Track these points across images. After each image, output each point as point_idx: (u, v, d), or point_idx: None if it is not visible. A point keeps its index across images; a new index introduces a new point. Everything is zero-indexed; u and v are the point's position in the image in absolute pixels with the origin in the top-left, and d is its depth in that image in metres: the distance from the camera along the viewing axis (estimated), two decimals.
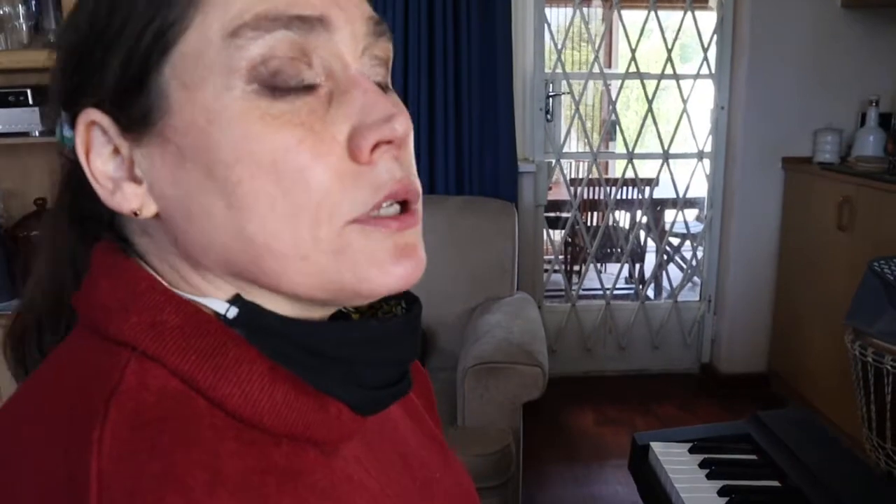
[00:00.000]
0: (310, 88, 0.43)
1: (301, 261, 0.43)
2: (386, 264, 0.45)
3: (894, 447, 1.74)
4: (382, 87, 0.48)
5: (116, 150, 0.45)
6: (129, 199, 0.45)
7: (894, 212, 2.40)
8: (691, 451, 1.30)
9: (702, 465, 1.25)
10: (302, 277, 0.44)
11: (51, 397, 0.43)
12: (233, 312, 0.46)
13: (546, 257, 3.53)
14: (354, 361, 0.47)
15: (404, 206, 0.46)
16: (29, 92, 2.47)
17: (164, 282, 0.47)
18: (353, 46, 0.45)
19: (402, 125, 0.43)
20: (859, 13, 2.94)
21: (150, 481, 0.37)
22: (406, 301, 0.55)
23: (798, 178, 3.04)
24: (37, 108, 2.46)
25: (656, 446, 1.31)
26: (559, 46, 3.12)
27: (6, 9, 2.57)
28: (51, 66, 0.48)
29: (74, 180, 0.50)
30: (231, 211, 0.42)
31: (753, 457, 1.28)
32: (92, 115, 0.44)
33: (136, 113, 0.43)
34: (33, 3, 2.58)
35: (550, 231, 3.58)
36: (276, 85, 0.42)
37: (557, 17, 6.67)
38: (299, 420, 0.45)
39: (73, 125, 0.46)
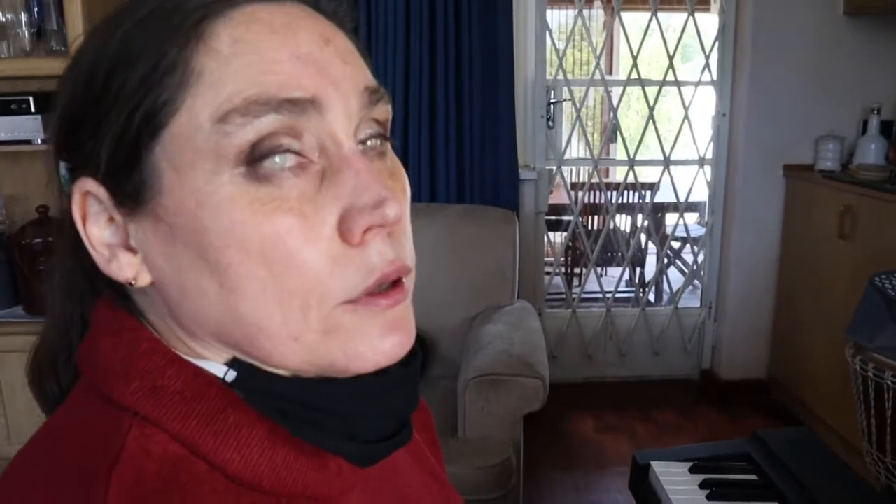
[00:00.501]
0: (300, 167, 0.43)
1: (292, 341, 0.43)
2: (375, 341, 0.45)
3: (894, 461, 1.75)
4: (383, 140, 0.48)
5: (112, 219, 0.45)
6: (124, 268, 0.45)
7: (895, 221, 2.40)
8: (691, 470, 1.30)
9: (702, 485, 1.25)
10: (292, 355, 0.44)
11: (55, 463, 0.43)
12: (231, 376, 0.46)
13: (547, 259, 3.53)
14: (351, 416, 0.48)
15: (395, 281, 0.46)
16: (31, 99, 2.47)
17: (163, 341, 0.47)
18: (347, 124, 0.45)
19: (393, 210, 0.43)
20: (861, 21, 2.94)
21: None
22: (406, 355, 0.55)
23: (799, 185, 3.04)
24: (39, 116, 2.47)
25: (657, 466, 1.32)
26: (560, 54, 3.12)
27: (9, 16, 2.57)
28: (52, 112, 0.48)
29: (73, 236, 0.50)
30: (223, 290, 0.43)
31: (753, 477, 1.28)
32: (87, 184, 0.45)
33: (129, 189, 0.43)
34: (36, 10, 2.58)
35: (552, 234, 3.59)
36: (264, 169, 0.42)
37: (559, 18, 6.68)
38: (299, 480, 0.45)
39: (68, 179, 0.47)
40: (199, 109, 0.41)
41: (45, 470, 0.43)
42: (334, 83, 0.44)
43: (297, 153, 0.43)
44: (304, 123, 0.43)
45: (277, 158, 0.42)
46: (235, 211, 0.41)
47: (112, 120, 0.43)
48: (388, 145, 0.49)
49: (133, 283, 0.45)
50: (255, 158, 0.41)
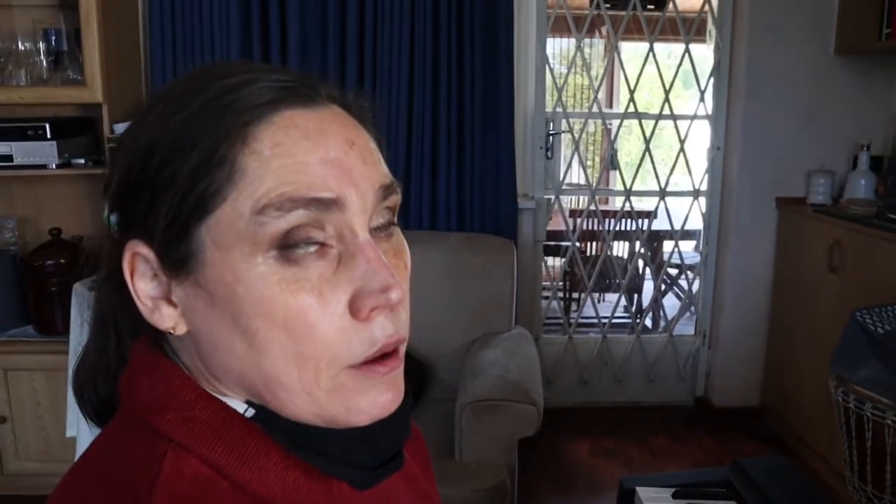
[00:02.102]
0: (321, 252, 0.51)
1: (305, 395, 0.52)
2: (373, 398, 0.53)
3: (874, 490, 1.81)
4: (391, 224, 0.57)
5: (156, 275, 0.53)
6: (165, 319, 0.53)
7: (882, 256, 2.47)
8: (674, 496, 1.37)
9: None
10: (304, 406, 0.52)
11: (103, 482, 0.51)
12: (250, 413, 0.55)
13: (545, 283, 3.60)
14: (353, 449, 0.56)
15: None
16: (47, 126, 2.55)
17: (193, 378, 0.55)
18: (363, 217, 0.53)
19: (397, 295, 0.51)
20: (851, 60, 3.03)
21: None
22: None
23: (791, 218, 3.12)
24: (55, 142, 2.54)
25: (642, 491, 1.38)
26: (559, 86, 3.22)
27: (27, 45, 2.67)
28: (110, 167, 0.57)
29: (116, 279, 0.57)
30: (251, 350, 0.51)
31: (733, 503, 1.35)
32: (138, 247, 0.53)
33: (176, 257, 0.52)
34: (53, 39, 2.68)
35: (550, 259, 3.66)
36: (292, 254, 0.50)
37: (561, 45, 6.78)
38: (307, 500, 0.54)
39: (120, 233, 0.54)
40: (241, 201, 0.50)
41: (93, 487, 0.51)
42: (355, 184, 0.52)
43: (320, 242, 0.51)
44: (327, 217, 0.51)
45: (303, 247, 0.50)
46: (266, 287, 0.49)
47: (166, 200, 0.51)
48: (396, 228, 0.57)
49: (172, 331, 0.54)
50: (284, 245, 0.50)
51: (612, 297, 4.49)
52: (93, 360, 0.62)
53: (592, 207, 3.45)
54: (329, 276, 0.51)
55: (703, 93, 3.24)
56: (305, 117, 0.52)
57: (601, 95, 6.91)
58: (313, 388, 0.51)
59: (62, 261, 2.60)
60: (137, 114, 0.56)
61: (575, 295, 4.51)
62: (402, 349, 0.55)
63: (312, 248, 0.50)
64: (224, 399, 0.55)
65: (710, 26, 3.30)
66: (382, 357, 0.53)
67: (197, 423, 0.52)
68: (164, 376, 0.55)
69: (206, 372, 0.55)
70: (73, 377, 0.64)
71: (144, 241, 0.52)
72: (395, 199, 0.56)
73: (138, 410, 0.54)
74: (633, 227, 3.55)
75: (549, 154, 3.27)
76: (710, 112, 3.27)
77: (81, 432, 2.34)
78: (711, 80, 3.25)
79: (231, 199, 0.50)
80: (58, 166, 2.57)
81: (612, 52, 3.41)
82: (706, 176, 3.34)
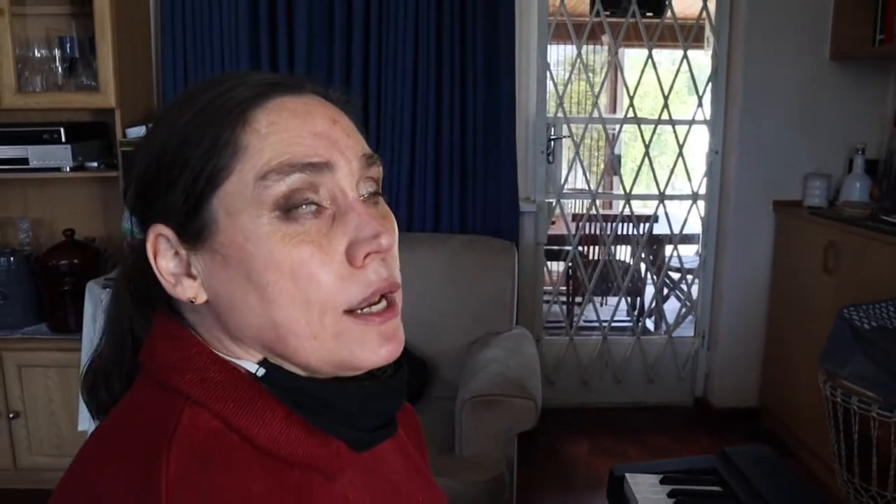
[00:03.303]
0: (318, 212, 0.59)
1: (312, 339, 0.59)
2: (374, 346, 0.60)
3: (861, 482, 1.86)
4: (377, 194, 0.64)
5: (177, 253, 0.61)
6: (186, 290, 0.61)
7: (875, 257, 2.53)
8: (662, 482, 1.43)
9: (670, 494, 1.38)
10: (311, 352, 0.59)
11: (129, 432, 0.58)
12: (261, 372, 0.62)
13: (546, 288, 3.66)
14: (352, 410, 0.63)
15: (389, 299, 0.61)
16: (62, 130, 2.63)
17: (209, 346, 0.62)
18: (351, 179, 0.61)
19: (387, 240, 0.59)
20: (846, 65, 3.09)
21: (203, 493, 0.53)
22: (394, 365, 0.69)
23: (788, 220, 3.18)
24: (69, 146, 2.62)
25: (630, 477, 1.44)
26: (560, 92, 3.28)
27: (43, 52, 2.75)
28: (128, 176, 0.65)
29: (137, 271, 0.65)
30: (263, 303, 0.58)
31: (718, 488, 1.41)
32: (160, 229, 0.61)
33: (193, 230, 0.59)
34: (68, 47, 2.76)
35: (553, 263, 3.72)
36: (293, 214, 0.58)
37: (564, 51, 6.85)
38: (308, 453, 0.60)
39: (142, 228, 0.62)
40: (246, 172, 0.58)
41: (121, 437, 0.58)
42: (341, 151, 0.61)
43: (316, 203, 0.59)
44: (320, 180, 0.59)
45: (302, 206, 0.58)
46: (272, 242, 0.57)
47: (182, 181, 0.59)
48: (381, 198, 0.65)
49: (193, 301, 0.61)
50: (285, 205, 0.57)
51: (614, 301, 4.55)
52: (108, 356, 0.69)
53: (593, 211, 3.51)
54: (326, 231, 0.59)
55: (701, 98, 3.31)
56: (294, 102, 0.61)
57: (606, 101, 7.01)
58: (320, 332, 0.58)
59: (75, 261, 2.67)
60: (149, 126, 0.64)
61: (578, 299, 4.56)
62: (398, 299, 0.63)
63: (310, 208, 0.58)
64: (238, 362, 0.62)
65: (708, 33, 3.37)
66: (381, 310, 0.60)
67: (211, 383, 0.59)
68: (183, 343, 0.62)
69: (223, 337, 0.62)
70: (83, 377, 0.71)
71: (164, 223, 0.60)
72: (377, 170, 0.64)
73: (159, 371, 0.61)
74: (633, 232, 3.61)
75: (550, 158, 3.33)
76: (708, 117, 3.33)
77: (93, 427, 2.42)
78: (710, 85, 3.31)
79: (237, 171, 0.58)
80: (72, 169, 2.66)
81: (613, 57, 3.47)
82: (705, 179, 3.40)
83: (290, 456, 0.59)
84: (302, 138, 0.59)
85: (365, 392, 0.63)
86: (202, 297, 0.61)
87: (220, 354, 0.62)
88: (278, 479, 0.58)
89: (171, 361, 0.60)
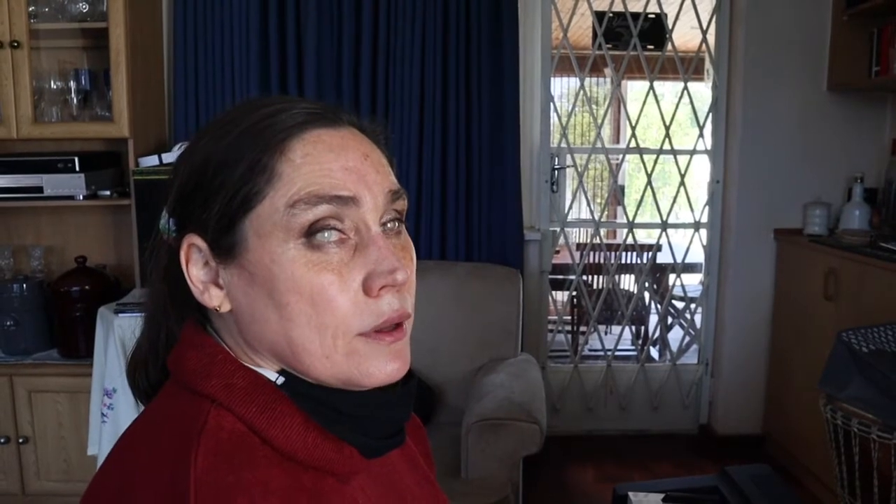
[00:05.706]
0: (341, 241, 0.63)
1: (324, 359, 0.63)
2: (381, 364, 0.65)
3: None
4: (399, 221, 0.68)
5: (207, 263, 0.66)
6: (213, 298, 0.65)
7: (875, 283, 2.56)
8: (664, 500, 1.45)
9: None
10: (323, 370, 0.64)
11: (160, 431, 0.63)
12: (281, 380, 0.66)
13: (551, 318, 3.69)
14: (364, 418, 0.67)
15: (397, 323, 0.66)
16: (76, 160, 2.69)
17: (232, 354, 0.67)
18: (375, 214, 0.65)
19: (402, 276, 0.63)
20: (844, 96, 3.16)
21: (228, 488, 0.57)
22: (404, 380, 0.73)
23: (789, 248, 3.22)
24: (83, 174, 2.68)
25: (633, 496, 1.47)
26: (564, 123, 3.35)
27: (59, 84, 2.83)
28: (170, 182, 0.69)
29: (171, 274, 0.69)
30: (282, 321, 0.63)
31: None
32: (194, 239, 0.65)
33: (225, 246, 0.64)
34: (83, 79, 2.84)
35: (557, 292, 3.75)
36: (317, 240, 0.62)
37: (569, 83, 6.95)
38: (322, 457, 0.64)
39: (177, 231, 0.66)
40: (278, 199, 0.62)
41: (152, 436, 0.63)
42: (368, 186, 0.65)
43: (340, 231, 0.63)
44: (346, 212, 0.63)
45: (326, 234, 0.62)
46: (296, 267, 0.61)
47: (219, 199, 0.63)
48: (403, 227, 0.70)
49: (218, 309, 0.65)
50: (311, 233, 0.62)
51: (618, 329, 4.58)
52: (145, 349, 0.74)
53: (597, 240, 3.55)
54: (347, 261, 0.63)
55: (702, 128, 3.37)
56: (329, 135, 0.65)
57: (609, 131, 7.10)
58: (331, 353, 0.63)
59: (87, 287, 2.71)
60: (192, 138, 0.69)
61: (583, 328, 4.59)
62: (408, 326, 0.67)
63: (334, 237, 0.62)
64: (259, 370, 0.66)
65: (708, 65, 3.44)
66: (390, 330, 0.64)
67: (235, 388, 0.63)
68: (209, 350, 0.66)
69: (244, 345, 0.66)
70: (126, 364, 0.76)
71: (199, 234, 0.65)
72: (403, 203, 0.68)
73: (186, 377, 0.65)
74: (637, 261, 3.65)
75: (554, 188, 3.39)
76: (709, 147, 3.39)
77: (102, 451, 2.44)
78: (710, 116, 3.37)
79: (269, 197, 0.62)
80: (85, 197, 2.71)
81: (615, 89, 3.54)
82: (707, 208, 3.45)
83: (306, 459, 0.63)
84: (333, 172, 0.63)
85: (376, 401, 0.67)
86: (226, 307, 0.65)
87: (242, 363, 0.66)
88: (295, 479, 0.61)
89: (199, 367, 0.65)
